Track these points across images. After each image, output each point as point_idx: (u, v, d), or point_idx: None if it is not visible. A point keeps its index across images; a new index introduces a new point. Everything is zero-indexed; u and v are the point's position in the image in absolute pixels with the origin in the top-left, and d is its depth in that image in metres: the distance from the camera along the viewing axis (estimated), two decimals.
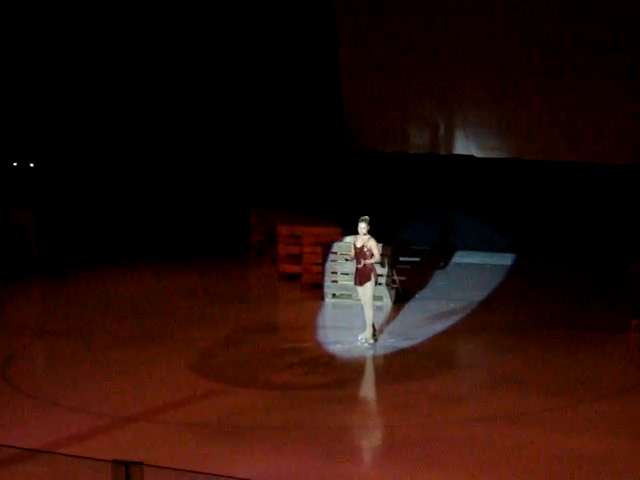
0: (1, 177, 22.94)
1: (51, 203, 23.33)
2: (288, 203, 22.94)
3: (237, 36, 23.91)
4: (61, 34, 23.75)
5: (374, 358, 15.06)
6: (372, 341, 15.33)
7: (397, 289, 18.39)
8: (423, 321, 16.86)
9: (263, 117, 24.13)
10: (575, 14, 21.37)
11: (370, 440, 12.00)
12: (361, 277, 15.30)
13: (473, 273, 21.34)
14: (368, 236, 15.27)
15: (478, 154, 22.91)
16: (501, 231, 22.66)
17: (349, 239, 16.91)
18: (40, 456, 10.23)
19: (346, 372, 14.41)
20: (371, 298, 15.34)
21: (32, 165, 22.67)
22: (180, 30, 24.19)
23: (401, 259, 19.95)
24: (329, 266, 18.74)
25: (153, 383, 13.63)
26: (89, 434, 11.42)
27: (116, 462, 7.62)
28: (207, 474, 8.31)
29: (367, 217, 15.36)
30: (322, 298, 18.66)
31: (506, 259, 22.24)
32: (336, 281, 18.64)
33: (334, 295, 18.65)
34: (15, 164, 22.48)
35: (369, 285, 15.26)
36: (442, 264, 21.94)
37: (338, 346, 15.40)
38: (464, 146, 23.01)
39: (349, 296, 18.05)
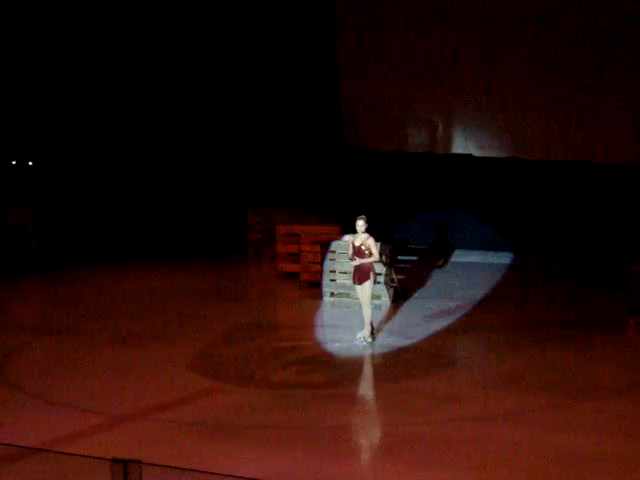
0: (0, 175, 22.94)
1: (50, 201, 23.34)
2: (287, 202, 22.97)
3: (236, 36, 23.94)
4: (60, 33, 23.76)
5: (372, 357, 15.05)
6: (370, 340, 15.33)
7: (396, 288, 18.41)
8: (421, 320, 16.87)
9: (262, 116, 24.16)
10: (574, 13, 21.39)
11: (368, 439, 11.99)
12: (360, 276, 15.30)
13: (471, 272, 21.37)
14: (367, 235, 15.28)
15: (476, 153, 22.95)
16: (499, 230, 22.70)
17: (348, 238, 16.91)
18: (38, 454, 10.23)
19: (344, 371, 14.41)
20: (370, 297, 15.34)
21: (31, 163, 22.67)
22: (180, 31, 24.21)
23: (399, 258, 19.98)
24: (328, 265, 18.76)
25: (152, 381, 13.62)
26: (87, 432, 11.42)
27: (114, 460, 7.62)
28: (206, 472, 8.32)
29: (364, 216, 15.38)
30: (321, 297, 18.68)
31: (504, 258, 22.27)
32: (335, 280, 18.66)
33: (332, 294, 18.67)
34: (14, 162, 22.49)
35: (368, 284, 15.26)
36: (441, 263, 21.96)
37: (337, 345, 15.41)
38: (462, 145, 23.05)
39: (347, 295, 18.07)
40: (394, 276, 18.42)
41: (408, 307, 17.96)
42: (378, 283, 16.97)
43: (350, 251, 15.43)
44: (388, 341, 15.55)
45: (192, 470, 8.36)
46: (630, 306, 16.19)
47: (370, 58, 23.28)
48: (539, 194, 22.61)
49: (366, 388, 14.18)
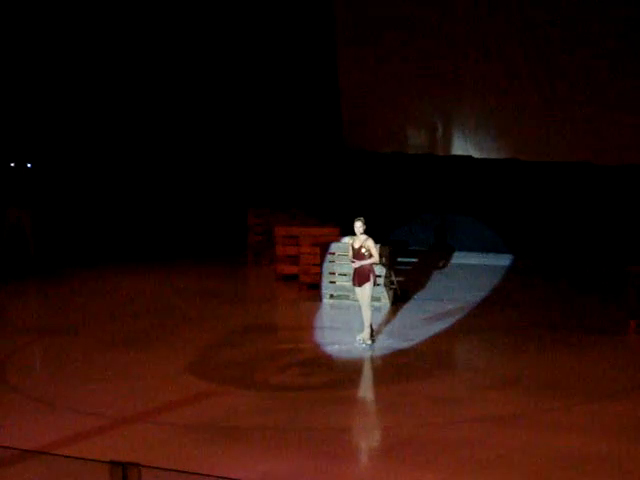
0: None
1: (49, 203, 23.31)
2: (286, 203, 22.94)
3: (236, 37, 23.92)
4: (60, 34, 23.73)
5: (372, 359, 15.04)
6: (370, 342, 15.31)
7: (395, 290, 18.39)
8: (421, 322, 16.85)
9: (261, 117, 24.14)
10: (574, 15, 21.38)
11: (368, 441, 11.98)
12: (359, 278, 15.28)
13: (471, 274, 21.35)
14: (365, 236, 15.26)
15: (476, 155, 22.92)
16: (499, 232, 22.68)
17: (347, 239, 16.91)
18: (37, 457, 10.22)
19: (344, 373, 14.39)
20: (369, 299, 15.32)
21: (30, 165, 22.64)
22: (179, 32, 24.19)
23: (399, 260, 19.97)
24: (327, 267, 18.74)
25: (150, 384, 13.61)
26: (86, 435, 11.40)
27: (113, 463, 7.60)
28: (204, 475, 8.30)
29: (362, 217, 15.36)
30: (320, 299, 18.66)
31: (504, 260, 22.25)
32: (334, 282, 18.64)
33: (332, 296, 18.65)
34: (13, 164, 22.46)
35: (367, 286, 15.24)
36: (440, 265, 21.94)
37: (336, 347, 15.39)
38: (462, 147, 23.03)
39: (347, 297, 18.06)
40: (393, 278, 18.41)
41: (408, 309, 17.94)
42: (378, 285, 16.95)
43: (350, 254, 15.41)
44: (388, 343, 15.54)
45: (191, 473, 8.34)
46: (630, 308, 16.17)
47: (370, 60, 23.25)
48: (539, 196, 22.59)
49: (365, 390, 14.17)
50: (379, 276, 17.07)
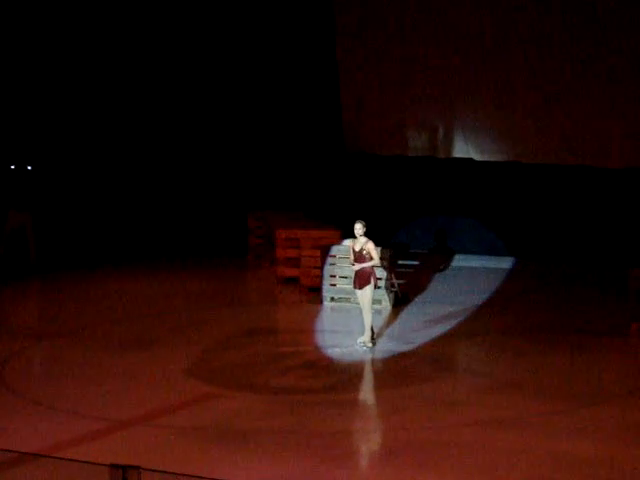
0: None
1: (49, 206, 23.32)
2: (286, 206, 22.94)
3: (236, 40, 23.93)
4: (60, 37, 23.74)
5: (373, 362, 15.03)
6: (371, 345, 15.30)
7: (396, 293, 18.38)
8: (422, 325, 16.84)
9: (262, 120, 24.14)
10: (575, 18, 21.38)
11: (368, 444, 11.96)
12: (360, 280, 15.27)
13: (472, 277, 21.34)
14: (365, 239, 15.25)
15: (477, 157, 22.92)
16: (500, 234, 22.67)
17: (347, 242, 16.90)
18: (37, 460, 10.20)
19: (344, 376, 14.37)
20: (370, 302, 15.31)
21: (30, 168, 22.65)
22: (179, 35, 24.21)
23: (400, 262, 19.95)
24: (328, 269, 18.73)
25: (151, 386, 13.60)
26: (86, 438, 11.38)
27: (113, 466, 7.59)
28: (204, 478, 8.28)
29: (362, 220, 15.34)
30: (320, 302, 18.65)
31: (505, 262, 22.24)
32: (335, 284, 18.63)
33: (332, 299, 18.63)
34: (13, 167, 22.47)
35: (368, 288, 15.23)
36: (441, 267, 21.93)
37: (337, 350, 15.37)
38: (463, 149, 23.03)
39: (348, 300, 18.05)
40: (394, 281, 18.39)
41: (408, 312, 17.92)
42: (379, 288, 16.93)
43: (351, 257, 15.40)
44: (388, 346, 15.52)
45: (191, 476, 8.31)
46: (632, 311, 16.16)
47: (370, 62, 23.27)
48: (539, 198, 22.58)
49: (366, 393, 14.16)
50: (380, 279, 17.05)
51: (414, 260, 22.14)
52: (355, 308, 16.49)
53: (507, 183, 22.88)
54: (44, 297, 20.64)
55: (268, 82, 24.04)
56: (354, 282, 15.46)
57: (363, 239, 15.25)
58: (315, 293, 18.98)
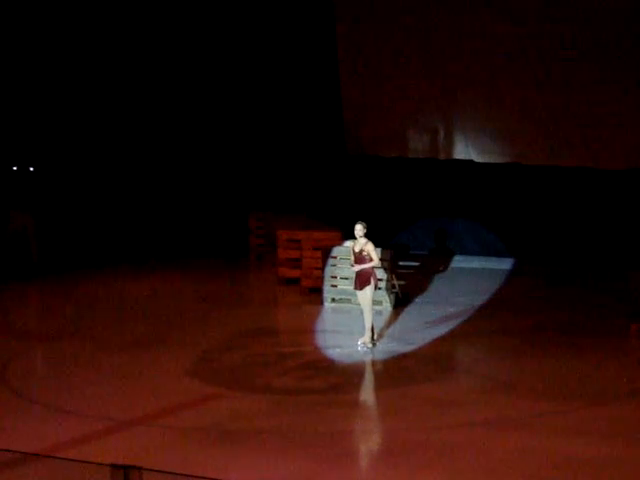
0: (1, 181, 22.97)
1: (51, 207, 23.36)
2: (288, 207, 22.97)
3: (239, 42, 23.96)
4: (61, 38, 23.78)
5: (373, 362, 15.05)
6: (371, 345, 15.33)
7: (397, 293, 18.41)
8: (422, 325, 16.86)
9: (264, 122, 24.17)
10: (576, 20, 21.38)
11: (369, 445, 11.98)
12: (361, 281, 15.30)
13: (472, 277, 21.36)
14: (365, 240, 15.27)
15: (477, 159, 22.94)
16: (500, 236, 22.70)
17: (348, 243, 16.93)
18: (39, 460, 10.23)
19: (345, 377, 14.40)
20: (370, 302, 15.33)
21: (32, 169, 22.69)
22: (181, 36, 24.24)
23: (400, 263, 19.97)
24: (329, 270, 18.76)
25: (152, 387, 13.62)
26: (87, 438, 11.41)
27: (114, 466, 7.62)
28: (206, 478, 8.31)
29: (362, 221, 15.37)
30: (321, 302, 18.68)
31: (505, 263, 22.26)
32: (335, 285, 18.66)
33: (333, 299, 18.67)
34: (15, 168, 22.51)
35: (369, 289, 15.26)
36: (441, 268, 21.96)
37: (337, 350, 15.40)
38: (463, 151, 23.04)
39: (348, 300, 18.08)
40: (395, 282, 18.42)
41: (409, 313, 17.95)
42: (379, 289, 16.96)
43: (352, 258, 15.43)
44: (389, 347, 15.55)
45: (192, 476, 8.35)
46: (631, 312, 16.18)
47: (371, 64, 23.28)
48: (540, 199, 22.60)
49: (367, 394, 14.17)
50: (380, 280, 17.08)
51: (415, 261, 22.16)
52: (356, 309, 16.52)
53: (507, 184, 22.91)
54: (46, 298, 20.66)
55: (269, 84, 24.08)
56: (355, 283, 15.49)
57: (363, 240, 15.28)
58: (316, 294, 19.02)
